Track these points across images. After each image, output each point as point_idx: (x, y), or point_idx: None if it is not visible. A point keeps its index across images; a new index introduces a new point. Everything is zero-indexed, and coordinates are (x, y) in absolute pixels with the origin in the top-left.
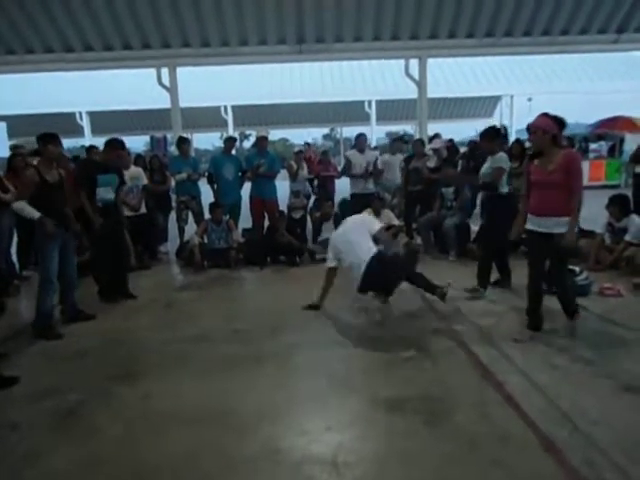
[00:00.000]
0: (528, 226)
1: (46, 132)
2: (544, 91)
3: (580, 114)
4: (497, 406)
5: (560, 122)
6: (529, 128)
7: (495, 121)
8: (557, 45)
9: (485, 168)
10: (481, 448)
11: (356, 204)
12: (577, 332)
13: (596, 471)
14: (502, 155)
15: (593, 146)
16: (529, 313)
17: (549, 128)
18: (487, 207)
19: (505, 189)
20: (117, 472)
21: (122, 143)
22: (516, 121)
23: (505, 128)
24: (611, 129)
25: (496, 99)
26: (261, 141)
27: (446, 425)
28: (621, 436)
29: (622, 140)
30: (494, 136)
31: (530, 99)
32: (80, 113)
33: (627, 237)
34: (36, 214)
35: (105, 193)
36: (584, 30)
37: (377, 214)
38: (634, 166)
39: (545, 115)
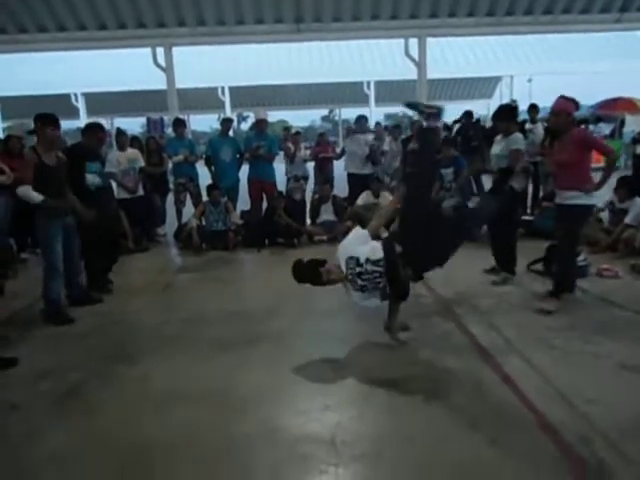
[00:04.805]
0: (556, 200)
1: (44, 113)
2: (544, 72)
3: (581, 95)
4: (495, 386)
5: (576, 104)
6: (553, 110)
7: (496, 102)
8: (559, 24)
9: (500, 150)
10: (478, 427)
11: (354, 185)
12: (575, 313)
13: (591, 449)
14: (518, 135)
15: (592, 128)
16: (558, 277)
17: (571, 110)
18: (503, 187)
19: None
20: (117, 449)
21: (102, 126)
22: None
23: (516, 105)
24: (612, 110)
25: (496, 80)
26: (260, 123)
27: (444, 405)
28: (617, 415)
29: (622, 122)
30: (510, 115)
31: (530, 80)
32: (75, 94)
33: (627, 219)
34: (39, 198)
35: (93, 179)
36: (586, 9)
37: (376, 196)
38: (634, 148)
39: (564, 98)
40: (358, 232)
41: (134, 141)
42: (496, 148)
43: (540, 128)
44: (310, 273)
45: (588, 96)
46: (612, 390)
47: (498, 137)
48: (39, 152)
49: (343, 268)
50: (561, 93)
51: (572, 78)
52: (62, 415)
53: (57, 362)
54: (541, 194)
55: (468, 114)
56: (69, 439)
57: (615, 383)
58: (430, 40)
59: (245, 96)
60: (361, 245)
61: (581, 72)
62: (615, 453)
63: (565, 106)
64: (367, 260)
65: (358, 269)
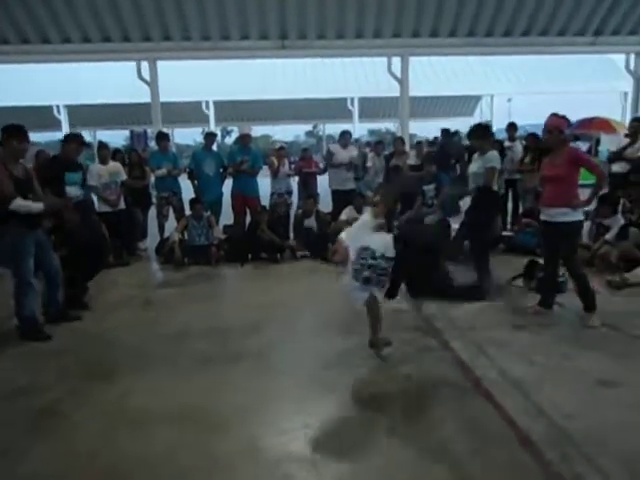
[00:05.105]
0: (541, 217)
1: (11, 124)
2: (523, 92)
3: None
4: (475, 401)
5: (568, 122)
6: (546, 128)
7: (476, 120)
8: (536, 46)
9: (477, 168)
10: (459, 443)
11: (338, 200)
12: (554, 328)
13: (569, 464)
14: (493, 153)
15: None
16: (542, 291)
17: (563, 128)
18: (479, 203)
19: (496, 187)
20: (94, 469)
21: (79, 136)
22: (496, 121)
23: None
24: (588, 129)
25: (477, 98)
26: (244, 138)
27: (425, 421)
28: (594, 429)
29: (598, 140)
30: (483, 134)
31: (510, 99)
32: (57, 106)
33: (607, 236)
34: (38, 206)
35: (75, 191)
36: (562, 32)
37: (359, 212)
38: (609, 166)
39: (556, 115)
40: (364, 219)
41: (116, 154)
42: (473, 166)
43: (519, 146)
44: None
45: (566, 116)
46: (589, 405)
47: (475, 155)
48: (7, 164)
49: (352, 255)
50: (539, 112)
51: (550, 98)
52: (38, 434)
53: (33, 380)
54: (520, 210)
55: (445, 132)
56: (45, 458)
57: (592, 398)
58: (412, 59)
59: (229, 110)
60: (371, 235)
61: (558, 92)
62: (592, 467)
63: (558, 123)
64: (382, 255)
65: (371, 261)
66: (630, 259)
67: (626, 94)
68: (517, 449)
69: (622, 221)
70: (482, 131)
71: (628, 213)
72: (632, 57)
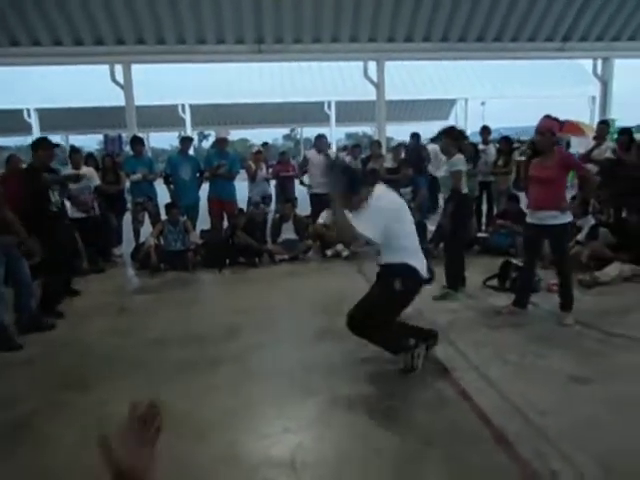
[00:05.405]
0: (527, 219)
1: None
2: (496, 96)
3: (529, 118)
4: (453, 402)
5: (560, 124)
6: (538, 130)
7: (451, 123)
8: (508, 51)
9: (444, 172)
10: (437, 444)
11: (316, 204)
12: (528, 327)
13: (544, 461)
14: (459, 157)
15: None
16: (517, 291)
17: (555, 130)
18: (450, 207)
19: (465, 190)
20: None
21: (49, 140)
22: (470, 124)
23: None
24: (559, 132)
25: (452, 102)
26: (221, 142)
27: (404, 423)
28: (568, 426)
29: (568, 143)
30: (451, 135)
31: (483, 103)
32: (28, 110)
33: (578, 236)
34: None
35: (55, 197)
36: (532, 38)
37: None
38: None
39: (549, 117)
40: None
41: (89, 159)
42: (441, 171)
43: (492, 149)
44: None
45: (536, 119)
46: (564, 402)
47: (443, 159)
48: None
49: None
50: (512, 116)
51: (522, 102)
52: (12, 448)
53: (5, 391)
54: (495, 212)
55: (414, 136)
56: (18, 474)
57: (566, 395)
58: (388, 63)
59: (206, 114)
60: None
61: (530, 96)
62: (567, 464)
63: (550, 125)
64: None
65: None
66: (600, 258)
67: (594, 98)
68: (493, 448)
69: (592, 221)
70: (448, 133)
71: (598, 214)
72: (599, 62)
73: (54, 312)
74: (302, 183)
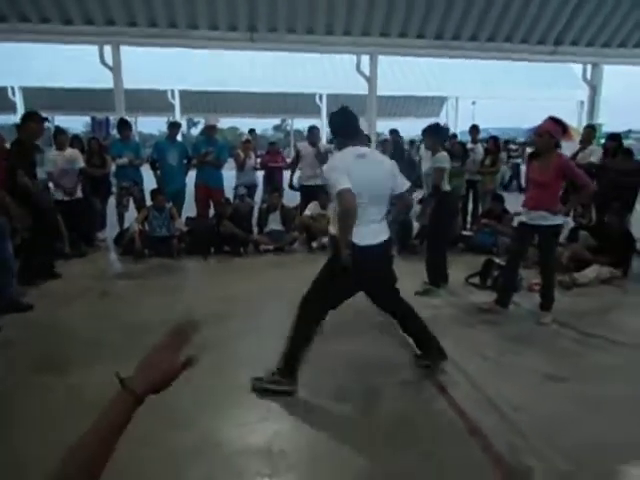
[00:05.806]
0: (521, 219)
1: None
2: (487, 96)
3: (519, 120)
4: (431, 396)
5: (564, 128)
6: (537, 131)
7: (441, 121)
8: (501, 52)
9: (427, 169)
10: (414, 436)
11: (305, 195)
12: (507, 325)
13: (517, 455)
14: (443, 154)
15: (529, 150)
16: (500, 291)
17: (555, 133)
18: (432, 204)
19: (447, 187)
20: (40, 469)
21: (40, 114)
22: (460, 123)
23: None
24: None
25: (443, 100)
26: (210, 129)
27: (382, 415)
28: (541, 422)
29: (557, 145)
30: (435, 133)
31: (474, 102)
32: (12, 88)
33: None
34: None
35: (41, 174)
36: (525, 39)
37: (323, 207)
38: None
39: (552, 119)
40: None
41: (75, 141)
42: (424, 166)
43: (480, 148)
44: None
45: (526, 121)
46: (538, 399)
47: (427, 155)
48: None
49: None
50: (502, 117)
51: (512, 103)
52: None
53: None
54: (480, 211)
55: (393, 132)
56: None
57: (541, 392)
58: (381, 58)
59: (196, 101)
60: None
61: (520, 98)
62: (538, 458)
63: (549, 127)
64: None
65: None
66: (579, 260)
67: (582, 103)
68: (468, 442)
69: (572, 224)
70: (433, 130)
71: (579, 217)
72: (589, 67)
73: (51, 273)
74: (292, 187)
